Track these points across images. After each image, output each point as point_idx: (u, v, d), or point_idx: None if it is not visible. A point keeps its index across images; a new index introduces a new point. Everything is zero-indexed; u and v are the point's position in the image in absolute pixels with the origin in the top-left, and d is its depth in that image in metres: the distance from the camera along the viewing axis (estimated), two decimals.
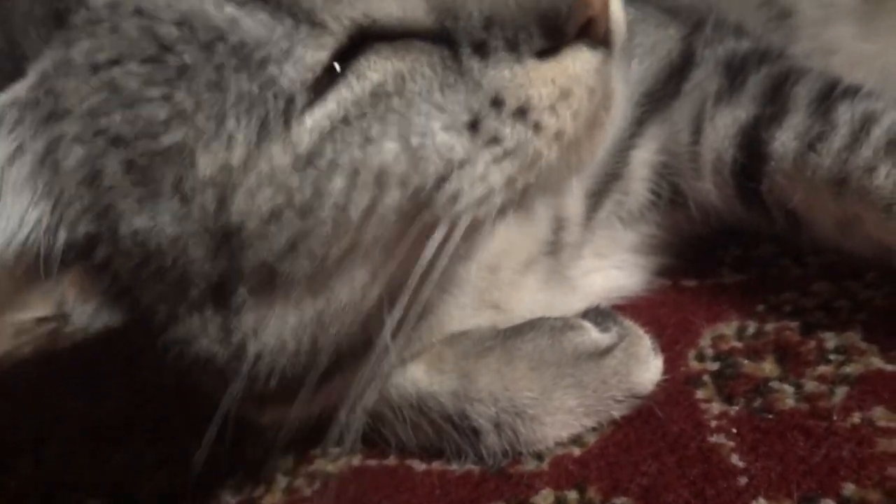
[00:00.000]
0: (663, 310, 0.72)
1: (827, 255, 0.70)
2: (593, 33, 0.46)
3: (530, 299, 0.69)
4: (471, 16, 0.45)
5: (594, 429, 0.61)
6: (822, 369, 0.60)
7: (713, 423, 0.58)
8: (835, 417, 0.55)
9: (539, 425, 0.60)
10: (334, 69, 0.45)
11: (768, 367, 0.62)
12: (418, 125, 0.45)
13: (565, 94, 0.46)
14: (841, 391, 0.57)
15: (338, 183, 0.45)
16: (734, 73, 0.72)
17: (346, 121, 0.45)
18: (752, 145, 0.68)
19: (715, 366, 0.64)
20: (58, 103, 0.46)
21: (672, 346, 0.66)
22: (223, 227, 0.46)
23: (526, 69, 0.45)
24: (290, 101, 0.44)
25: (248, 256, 0.47)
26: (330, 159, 0.45)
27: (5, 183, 0.47)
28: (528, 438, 0.60)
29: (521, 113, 0.46)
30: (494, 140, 0.46)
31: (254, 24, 0.43)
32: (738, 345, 0.65)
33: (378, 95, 0.45)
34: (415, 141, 0.45)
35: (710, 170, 0.71)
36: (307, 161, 0.45)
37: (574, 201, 0.72)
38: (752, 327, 0.67)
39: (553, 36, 0.45)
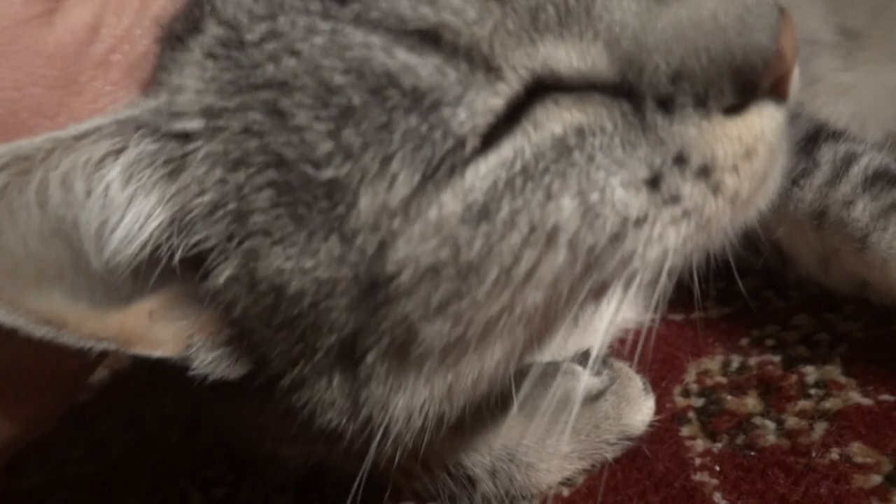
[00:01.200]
0: (649, 344, 0.73)
1: (808, 287, 0.72)
2: (782, 89, 0.45)
3: None
4: (657, 69, 0.43)
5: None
6: (803, 404, 0.62)
7: (697, 461, 0.60)
8: (814, 454, 0.57)
9: (534, 472, 0.61)
10: (508, 119, 0.42)
11: (751, 402, 0.64)
12: (597, 181, 0.43)
13: (749, 153, 0.44)
14: (820, 427, 0.59)
15: (510, 241, 0.42)
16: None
17: (524, 172, 0.42)
18: None
19: (700, 402, 0.66)
20: (213, 119, 0.44)
21: (658, 382, 0.68)
22: (374, 276, 0.43)
23: (713, 126, 0.43)
24: (460, 143, 0.41)
25: (391, 313, 0.43)
26: (507, 213, 0.42)
27: (148, 218, 0.44)
28: (523, 484, 0.61)
29: (704, 171, 0.44)
30: (674, 199, 0.44)
31: (426, 70, 0.41)
32: (723, 380, 0.67)
33: (557, 148, 0.43)
34: (593, 198, 0.43)
35: None
36: (480, 213, 0.42)
37: None
38: (735, 362, 0.68)
39: (746, 92, 0.43)
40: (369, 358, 0.45)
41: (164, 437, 0.85)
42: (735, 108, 0.44)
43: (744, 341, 0.70)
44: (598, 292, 0.45)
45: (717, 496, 0.56)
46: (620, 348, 0.73)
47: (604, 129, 0.43)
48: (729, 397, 0.65)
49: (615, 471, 0.62)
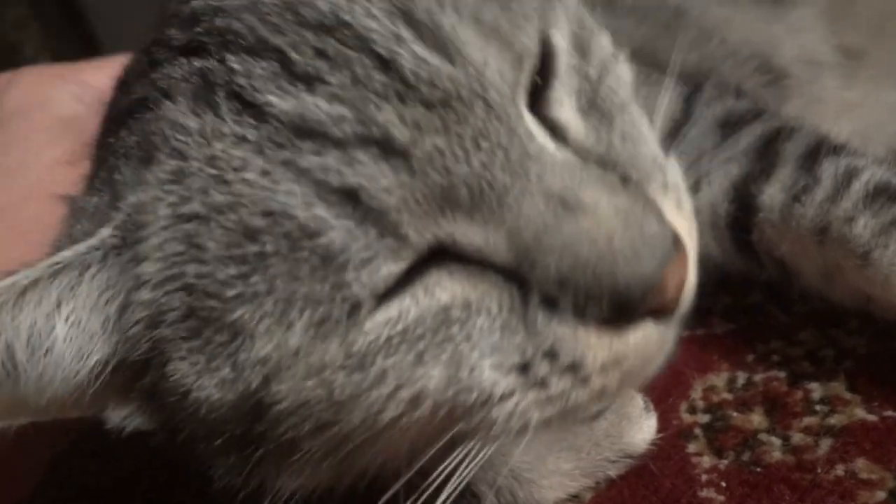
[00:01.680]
0: None
1: (812, 302, 0.72)
2: (663, 312, 0.46)
3: None
4: (548, 270, 0.44)
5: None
6: (809, 420, 0.62)
7: (703, 478, 0.60)
8: (819, 470, 0.57)
9: (537, 488, 0.62)
10: (403, 278, 0.45)
11: (757, 419, 0.64)
12: (470, 359, 0.45)
13: (620, 360, 0.46)
14: (826, 443, 0.59)
15: (378, 392, 0.45)
16: (728, 131, 0.76)
17: (403, 333, 0.45)
18: (742, 198, 0.71)
19: (706, 418, 0.66)
20: (138, 247, 0.47)
21: (665, 398, 0.68)
22: (258, 402, 0.46)
23: (587, 334, 0.45)
24: (356, 306, 0.44)
25: (274, 429, 0.47)
26: (379, 369, 0.45)
27: (86, 323, 0.48)
28: (526, 500, 0.62)
29: (573, 368, 0.46)
30: (541, 384, 0.46)
31: (340, 232, 0.43)
32: (729, 397, 0.68)
33: (440, 319, 0.45)
34: (463, 374, 0.45)
35: (708, 224, 0.74)
36: (356, 364, 0.45)
37: None
38: (741, 378, 0.69)
39: (622, 314, 0.45)
40: (258, 453, 0.49)
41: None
42: (613, 321, 0.45)
43: (749, 357, 0.71)
44: (463, 437, 0.48)
45: None
46: None
47: (489, 310, 0.46)
48: (735, 414, 0.65)
49: (622, 487, 0.62)
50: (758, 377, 0.68)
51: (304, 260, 0.43)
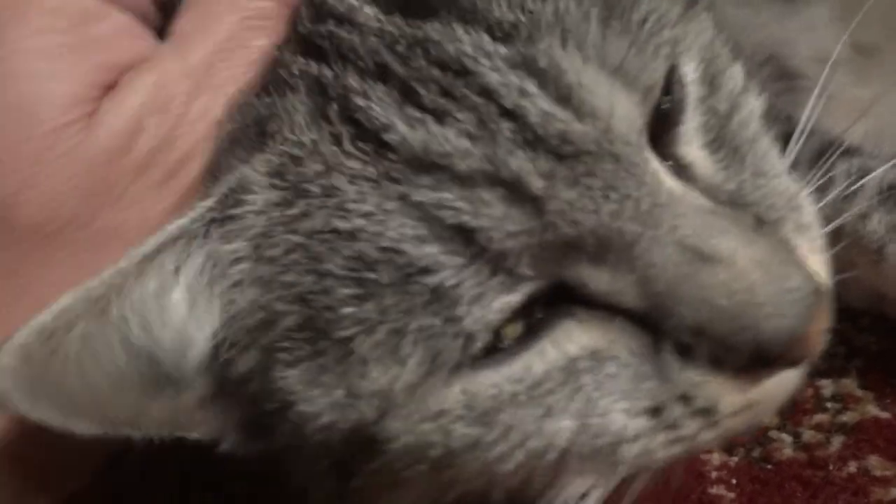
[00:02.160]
0: None
1: None
2: (801, 360, 0.44)
3: None
4: (683, 320, 0.42)
5: None
6: (820, 418, 0.61)
7: (714, 474, 0.60)
8: (831, 467, 0.57)
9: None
10: (524, 312, 0.42)
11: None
12: (601, 407, 0.43)
13: (753, 406, 0.44)
14: (837, 440, 0.59)
15: (500, 448, 0.43)
16: None
17: (531, 388, 0.43)
18: None
19: None
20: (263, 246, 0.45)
21: None
22: (372, 435, 0.45)
23: (724, 381, 0.43)
24: (469, 339, 0.42)
25: (378, 461, 0.45)
26: (503, 425, 0.43)
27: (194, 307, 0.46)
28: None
29: (706, 412, 0.44)
30: (672, 427, 0.44)
31: (451, 271, 0.41)
32: None
33: (569, 371, 0.43)
34: (593, 421, 0.43)
35: None
36: (478, 417, 0.43)
37: None
38: None
39: (762, 363, 0.43)
40: (356, 481, 0.47)
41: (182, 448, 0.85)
42: (751, 369, 0.43)
43: None
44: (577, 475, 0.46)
45: None
46: None
47: (618, 357, 0.44)
48: None
49: None
50: None
51: (416, 294, 0.42)
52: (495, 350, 0.43)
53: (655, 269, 0.42)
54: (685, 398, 0.44)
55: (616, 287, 0.43)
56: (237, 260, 0.45)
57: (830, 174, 0.67)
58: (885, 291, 0.64)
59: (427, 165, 0.41)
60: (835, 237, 0.64)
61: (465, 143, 0.41)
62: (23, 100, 0.48)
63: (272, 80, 0.47)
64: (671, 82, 0.47)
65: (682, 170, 0.46)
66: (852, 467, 0.56)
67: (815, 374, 0.65)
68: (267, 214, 0.44)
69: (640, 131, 0.43)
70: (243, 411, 0.48)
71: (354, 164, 0.43)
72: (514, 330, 0.43)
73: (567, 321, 0.43)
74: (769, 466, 0.59)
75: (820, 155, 0.70)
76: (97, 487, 0.57)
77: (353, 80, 0.44)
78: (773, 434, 0.61)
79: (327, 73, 0.45)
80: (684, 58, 0.48)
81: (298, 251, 0.44)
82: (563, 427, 0.43)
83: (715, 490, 0.58)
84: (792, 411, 0.63)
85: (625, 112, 0.43)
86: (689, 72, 0.48)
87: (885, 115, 0.86)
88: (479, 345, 0.42)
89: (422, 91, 0.42)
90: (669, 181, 0.44)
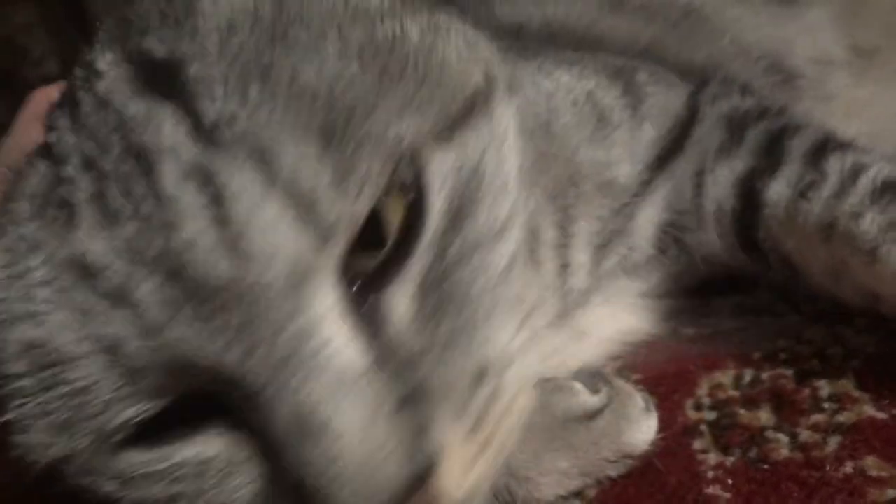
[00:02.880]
0: (662, 358, 0.73)
1: (820, 301, 0.71)
2: None
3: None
4: (286, 471, 0.42)
5: None
6: (817, 418, 0.61)
7: (710, 474, 0.59)
8: (828, 467, 0.56)
9: (534, 485, 0.61)
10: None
11: (764, 416, 0.63)
12: None
13: None
14: (834, 440, 0.59)
15: None
16: (734, 128, 0.76)
17: (168, 472, 0.46)
18: (748, 194, 0.71)
19: (712, 415, 0.65)
20: None
21: (670, 395, 0.68)
22: None
23: None
24: (110, 434, 0.44)
25: None
26: (146, 495, 0.46)
27: None
28: (525, 497, 0.61)
29: None
30: None
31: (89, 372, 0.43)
32: (735, 394, 0.67)
33: (200, 471, 0.45)
34: None
35: (713, 221, 0.73)
36: (127, 482, 0.46)
37: (579, 252, 0.74)
38: (748, 376, 0.68)
39: None
40: None
41: None
42: None
43: (756, 355, 0.70)
44: None
45: None
46: (631, 361, 0.74)
47: (246, 474, 0.45)
48: (742, 411, 0.64)
49: (626, 484, 0.61)
50: (765, 375, 0.67)
51: (62, 385, 0.43)
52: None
53: (268, 424, 0.41)
54: None
55: (246, 419, 0.43)
56: None
57: (823, 171, 0.67)
58: (880, 292, 0.63)
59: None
60: (827, 235, 0.65)
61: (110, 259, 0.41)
62: None
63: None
64: (418, 196, 0.44)
65: (373, 318, 0.43)
66: (849, 468, 0.56)
67: (813, 374, 0.66)
68: None
69: (307, 272, 0.41)
70: None
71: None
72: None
73: (216, 426, 0.44)
74: (765, 466, 0.58)
75: (814, 152, 0.70)
76: None
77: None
78: (770, 434, 0.61)
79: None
80: (434, 170, 0.44)
81: None
82: None
83: (711, 490, 0.58)
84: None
85: (288, 252, 0.40)
86: (435, 192, 0.44)
87: (881, 114, 0.86)
88: (116, 438, 0.44)
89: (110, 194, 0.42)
90: (329, 332, 0.41)
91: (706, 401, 0.67)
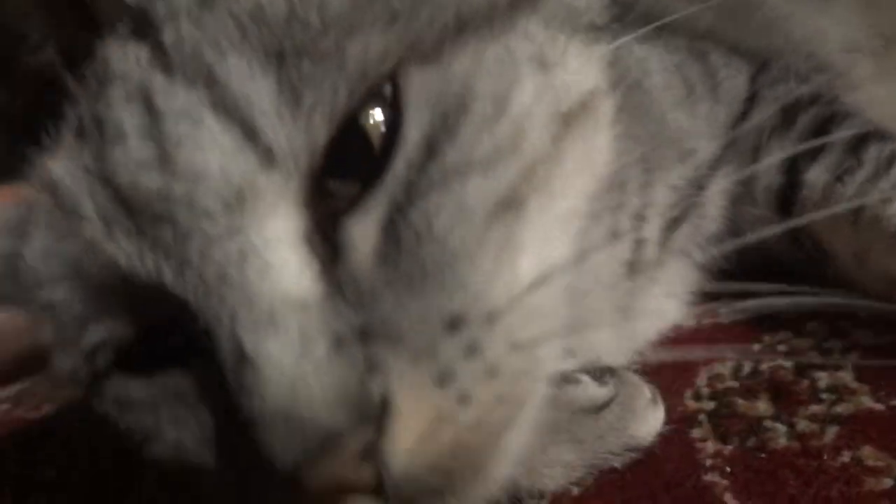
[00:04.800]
0: (661, 349, 0.74)
1: (821, 294, 0.72)
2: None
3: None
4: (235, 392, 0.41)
5: None
6: (815, 408, 0.62)
7: (708, 462, 0.60)
8: (825, 456, 0.57)
9: (538, 476, 0.61)
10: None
11: (762, 406, 0.64)
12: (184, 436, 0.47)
13: None
14: (832, 430, 0.59)
15: (136, 436, 0.50)
16: (788, 112, 0.80)
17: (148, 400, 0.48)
18: (791, 174, 0.75)
19: (711, 405, 0.66)
20: None
21: (670, 385, 0.68)
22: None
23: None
24: (90, 355, 0.48)
25: None
26: (136, 417, 0.49)
27: None
28: (529, 488, 0.61)
29: None
30: None
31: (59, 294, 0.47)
32: (734, 384, 0.67)
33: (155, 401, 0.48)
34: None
35: (763, 197, 0.77)
36: (123, 405, 0.49)
37: (652, 224, 0.74)
38: (747, 367, 0.69)
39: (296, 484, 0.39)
40: None
41: None
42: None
43: (756, 347, 0.71)
44: None
45: (727, 496, 0.56)
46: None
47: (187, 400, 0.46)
48: (740, 401, 0.65)
49: (624, 471, 0.62)
50: (764, 366, 0.68)
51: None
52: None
53: (216, 352, 0.40)
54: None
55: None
56: None
57: (861, 158, 0.69)
58: None
59: None
60: (855, 219, 0.66)
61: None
62: None
63: None
64: (394, 119, 0.41)
65: (335, 248, 0.41)
66: (846, 457, 0.56)
67: (811, 366, 0.66)
68: None
69: (250, 194, 0.40)
70: None
71: None
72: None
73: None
74: (763, 455, 0.59)
75: (856, 141, 0.72)
76: None
77: None
78: (768, 424, 0.61)
79: None
80: (413, 95, 0.42)
81: None
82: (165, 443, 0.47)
83: (709, 477, 0.58)
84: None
85: (226, 172, 0.39)
86: (411, 120, 0.42)
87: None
88: (98, 360, 0.47)
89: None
90: (274, 257, 0.40)
91: (705, 391, 0.67)
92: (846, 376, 0.64)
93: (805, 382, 0.65)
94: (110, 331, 0.45)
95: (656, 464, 0.61)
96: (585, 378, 0.64)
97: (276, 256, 0.40)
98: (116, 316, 0.45)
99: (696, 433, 0.63)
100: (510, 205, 0.43)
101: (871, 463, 0.55)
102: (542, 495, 0.62)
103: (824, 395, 0.63)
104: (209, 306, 0.40)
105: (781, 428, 0.61)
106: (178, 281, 0.41)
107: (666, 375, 0.69)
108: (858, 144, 0.72)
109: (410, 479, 0.39)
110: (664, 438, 0.63)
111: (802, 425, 0.60)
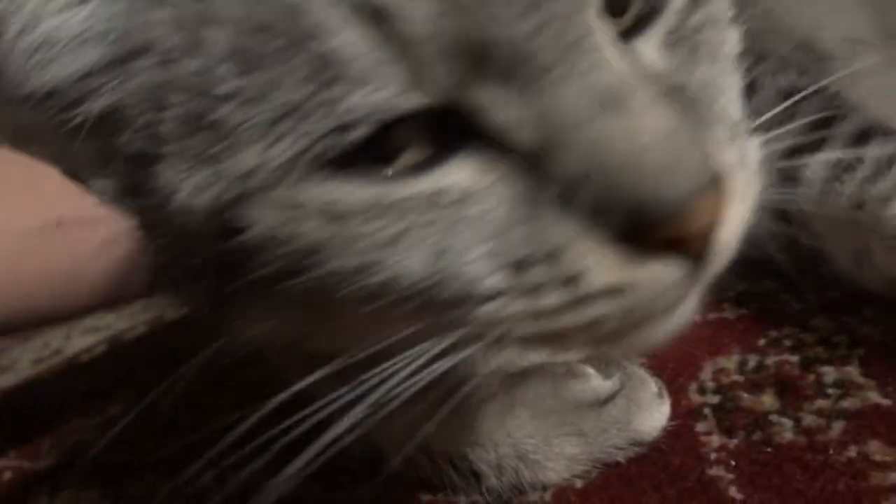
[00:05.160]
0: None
1: (826, 291, 0.71)
2: (684, 250, 0.40)
3: None
4: (569, 164, 0.39)
5: None
6: (821, 403, 0.61)
7: (713, 456, 0.59)
8: (831, 451, 0.56)
9: (542, 469, 0.61)
10: (395, 130, 0.40)
11: (768, 400, 0.63)
12: (457, 247, 0.41)
13: (624, 289, 0.40)
14: (838, 425, 0.59)
15: (344, 261, 0.41)
16: (789, 104, 0.77)
17: (390, 208, 0.40)
18: (789, 168, 0.72)
19: (716, 399, 0.65)
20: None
21: (674, 379, 0.68)
22: (225, 220, 0.42)
23: (596, 244, 0.39)
24: (344, 128, 0.38)
25: (243, 259, 0.43)
26: (353, 232, 0.41)
27: None
28: (531, 480, 0.61)
29: (572, 281, 0.40)
30: (532, 291, 0.41)
31: (348, 37, 0.38)
32: (739, 378, 0.67)
33: (432, 202, 0.41)
34: (447, 262, 0.41)
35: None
36: (333, 217, 0.41)
37: None
38: (752, 361, 0.68)
39: (639, 234, 0.38)
40: (232, 286, 0.45)
41: (177, 423, 0.85)
42: (628, 240, 0.39)
43: (761, 342, 0.70)
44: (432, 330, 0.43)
45: (732, 490, 0.56)
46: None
47: (490, 199, 0.41)
48: (745, 395, 0.65)
49: (630, 463, 0.61)
50: (769, 360, 0.68)
51: (301, 65, 0.38)
52: (371, 164, 0.40)
53: (558, 105, 0.39)
54: (552, 256, 0.40)
55: (513, 116, 0.39)
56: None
57: (862, 155, 0.68)
58: None
59: None
60: (853, 219, 0.65)
61: None
62: None
63: None
64: None
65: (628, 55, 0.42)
66: (852, 452, 0.56)
67: (818, 361, 0.66)
68: None
69: None
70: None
71: None
72: (409, 158, 0.40)
73: (452, 155, 0.41)
74: (769, 449, 0.58)
75: (857, 136, 0.71)
76: None
77: None
78: (774, 418, 0.61)
79: None
80: None
81: (181, 29, 0.40)
82: (411, 259, 0.41)
83: (714, 471, 0.58)
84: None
85: None
86: None
87: None
88: (352, 136, 0.39)
89: None
90: (603, 40, 0.40)
91: (710, 385, 0.67)
92: (853, 371, 0.63)
93: (811, 377, 0.64)
94: (394, 95, 0.39)
95: (662, 457, 0.61)
96: (590, 371, 0.64)
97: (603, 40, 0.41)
98: (413, 86, 0.39)
99: (700, 427, 0.63)
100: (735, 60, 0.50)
101: (878, 458, 0.55)
102: (544, 487, 0.62)
103: (830, 390, 0.62)
104: (561, 62, 0.39)
105: (787, 422, 0.60)
106: (533, 35, 0.38)
107: (670, 369, 0.69)
108: (859, 141, 0.70)
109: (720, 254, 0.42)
110: (669, 432, 0.62)
111: (808, 420, 0.60)
